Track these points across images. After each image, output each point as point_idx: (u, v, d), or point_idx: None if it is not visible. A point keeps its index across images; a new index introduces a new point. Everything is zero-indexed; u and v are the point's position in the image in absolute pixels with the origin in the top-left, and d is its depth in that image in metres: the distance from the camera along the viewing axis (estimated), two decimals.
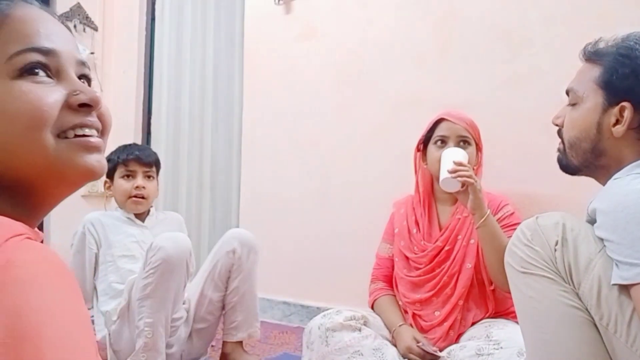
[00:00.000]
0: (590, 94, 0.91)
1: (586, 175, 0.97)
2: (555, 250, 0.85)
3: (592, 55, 0.93)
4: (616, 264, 0.77)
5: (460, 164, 1.41)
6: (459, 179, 1.38)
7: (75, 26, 3.19)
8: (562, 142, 0.97)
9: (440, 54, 2.16)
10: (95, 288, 1.81)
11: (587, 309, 0.79)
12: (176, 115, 3.38)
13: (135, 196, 1.82)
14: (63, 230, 2.58)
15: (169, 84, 3.39)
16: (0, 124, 0.48)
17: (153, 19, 3.44)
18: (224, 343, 1.80)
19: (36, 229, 0.53)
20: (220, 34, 3.41)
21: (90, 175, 0.53)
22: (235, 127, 3.30)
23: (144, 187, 1.83)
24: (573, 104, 0.94)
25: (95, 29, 3.32)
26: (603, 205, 0.81)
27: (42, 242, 0.47)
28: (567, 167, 0.99)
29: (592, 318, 0.78)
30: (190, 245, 1.65)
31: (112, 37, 3.45)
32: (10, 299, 0.36)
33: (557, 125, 0.99)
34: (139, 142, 3.36)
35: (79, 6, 3.20)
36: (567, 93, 0.97)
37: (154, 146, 3.41)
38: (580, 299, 0.81)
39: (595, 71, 0.91)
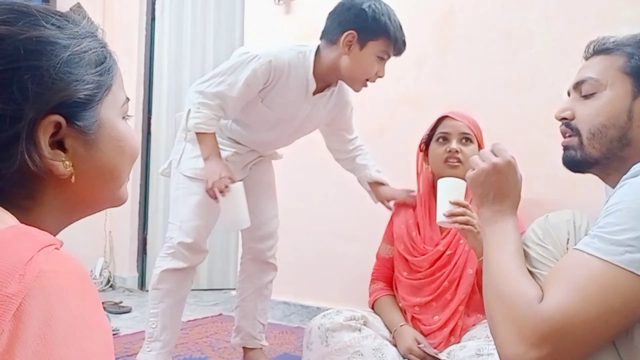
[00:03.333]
0: (616, 82, 0.85)
1: (599, 170, 0.89)
2: (568, 248, 0.80)
3: (610, 46, 0.88)
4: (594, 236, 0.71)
5: (456, 204, 1.33)
6: (456, 225, 1.33)
7: None
8: (577, 134, 0.88)
9: (440, 54, 2.16)
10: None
11: None
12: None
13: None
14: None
15: (169, 84, 3.39)
16: (117, 155, 0.58)
17: (153, 19, 3.44)
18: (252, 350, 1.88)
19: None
20: (220, 34, 3.41)
21: (123, 203, 0.65)
22: None
23: None
24: (591, 94, 0.87)
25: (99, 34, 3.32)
26: (629, 202, 0.71)
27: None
28: (581, 161, 0.89)
29: None
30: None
31: (112, 37, 3.45)
32: (42, 308, 0.38)
33: (565, 118, 0.90)
34: (139, 142, 3.36)
35: (79, 6, 3.20)
36: (579, 84, 0.90)
37: (154, 146, 3.41)
38: None
39: (617, 60, 0.87)
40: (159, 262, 1.66)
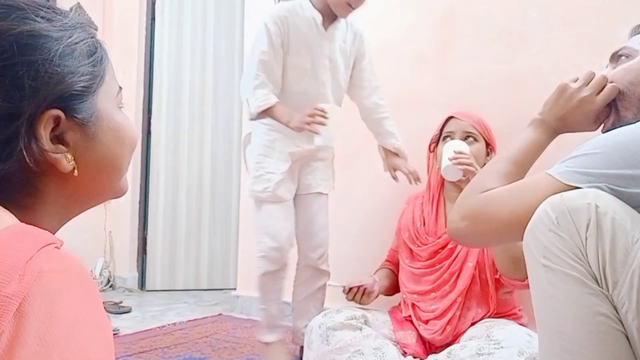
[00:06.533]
0: None
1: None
2: (587, 238, 0.69)
3: None
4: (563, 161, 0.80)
5: (460, 153, 1.45)
6: (460, 166, 1.42)
7: None
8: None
9: (440, 53, 2.16)
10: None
11: (619, 319, 0.67)
12: (176, 115, 3.38)
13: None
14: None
15: (169, 84, 3.39)
16: (117, 145, 0.58)
17: (153, 19, 3.44)
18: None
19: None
20: (220, 34, 3.41)
21: (123, 194, 0.64)
22: (235, 127, 3.30)
23: None
24: (626, 56, 0.92)
25: (95, 29, 3.31)
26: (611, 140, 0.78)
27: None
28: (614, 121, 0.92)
29: (625, 330, 0.67)
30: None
31: (112, 37, 3.45)
32: (42, 308, 0.38)
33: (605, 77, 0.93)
34: (139, 142, 3.37)
35: (79, 6, 3.20)
36: (616, 54, 0.95)
37: (154, 146, 3.41)
38: (613, 304, 0.68)
39: None
40: (257, 265, 1.80)
